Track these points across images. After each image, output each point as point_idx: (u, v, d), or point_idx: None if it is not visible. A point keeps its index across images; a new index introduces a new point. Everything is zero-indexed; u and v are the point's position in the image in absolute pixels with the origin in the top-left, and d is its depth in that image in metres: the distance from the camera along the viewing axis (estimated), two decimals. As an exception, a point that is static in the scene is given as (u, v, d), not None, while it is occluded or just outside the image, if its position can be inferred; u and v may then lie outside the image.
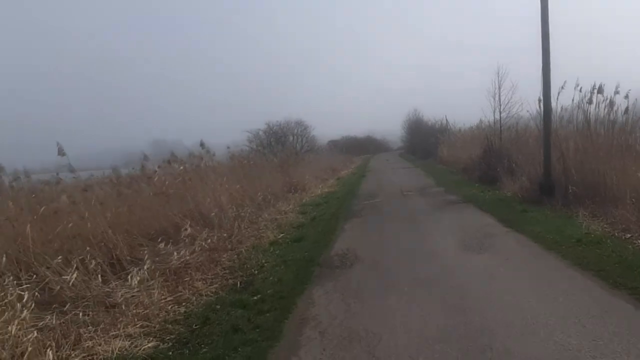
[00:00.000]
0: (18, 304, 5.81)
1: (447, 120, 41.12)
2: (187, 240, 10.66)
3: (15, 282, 6.61)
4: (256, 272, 8.44)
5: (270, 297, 6.82)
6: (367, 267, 8.18)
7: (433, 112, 70.47)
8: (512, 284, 6.66)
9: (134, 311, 6.85)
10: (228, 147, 19.17)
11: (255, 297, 6.87)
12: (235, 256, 9.84)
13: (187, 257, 9.50)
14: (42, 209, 9.10)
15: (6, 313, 5.53)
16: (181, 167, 14.21)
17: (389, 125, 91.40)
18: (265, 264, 8.88)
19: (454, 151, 30.62)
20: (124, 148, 13.50)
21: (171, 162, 13.34)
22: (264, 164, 21.46)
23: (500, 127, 20.71)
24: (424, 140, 46.25)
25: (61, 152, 9.47)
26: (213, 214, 12.17)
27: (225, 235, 11.44)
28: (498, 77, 20.41)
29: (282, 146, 31.04)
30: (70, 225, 8.84)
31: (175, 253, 9.51)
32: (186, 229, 11.11)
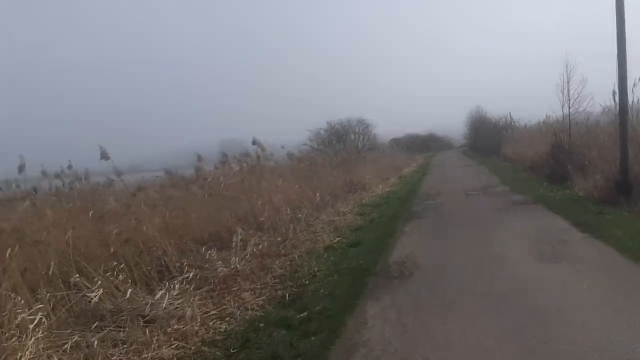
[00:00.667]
0: (30, 326, 5.19)
1: (511, 116, 39.69)
2: (239, 245, 10.05)
3: (46, 295, 6.05)
4: (307, 282, 7.65)
5: (318, 316, 5.98)
6: (429, 279, 7.24)
7: (497, 109, 68.04)
8: (597, 304, 5.61)
9: (174, 327, 6.19)
10: (282, 147, 18.42)
11: (302, 315, 6.05)
12: (288, 263, 9.11)
13: (238, 265, 8.87)
14: (90, 213, 8.60)
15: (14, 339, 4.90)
16: (237, 168, 13.64)
17: (451, 123, 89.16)
18: (318, 273, 8.09)
19: (520, 148, 29.08)
20: (195, 148, 12.84)
21: (224, 163, 12.66)
22: (324, 163, 20.71)
23: (570, 122, 19.23)
24: (488, 138, 44.63)
25: (105, 156, 8.96)
26: (266, 217, 11.50)
27: (279, 239, 10.75)
28: (567, 70, 18.93)
29: (343, 145, 30.26)
30: (115, 231, 8.32)
31: (221, 261, 8.92)
32: (239, 234, 10.51)
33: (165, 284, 7.76)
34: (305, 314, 6.08)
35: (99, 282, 6.86)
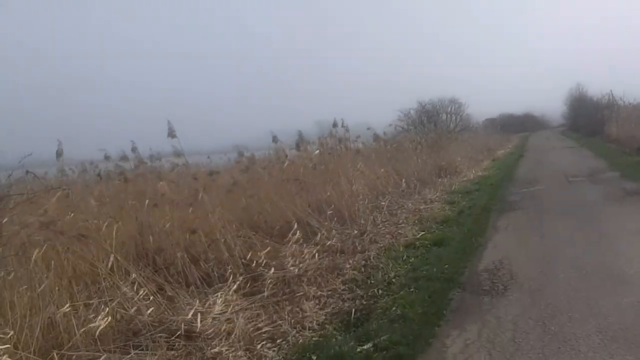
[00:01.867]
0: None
1: (612, 94, 36.18)
2: (312, 239, 8.83)
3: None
4: (380, 292, 6.24)
5: (381, 350, 4.54)
6: (527, 297, 5.58)
7: (599, 85, 63.02)
8: None
9: (215, 349, 5.02)
10: (368, 128, 16.96)
11: (362, 348, 4.63)
12: (363, 262, 7.76)
13: (307, 263, 7.63)
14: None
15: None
16: (317, 151, 12.34)
17: (548, 101, 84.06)
18: (394, 280, 6.66)
19: (627, 128, 26.12)
20: (291, 130, 11.63)
21: (300, 145, 11.33)
22: (411, 145, 19.05)
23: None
24: (589, 117, 41.14)
25: (172, 134, 7.92)
26: (343, 206, 10.16)
27: (356, 232, 9.40)
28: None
29: (434, 125, 28.29)
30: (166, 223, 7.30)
31: (291, 258, 7.69)
32: (312, 225, 9.28)
33: (222, 286, 6.67)
34: (368, 345, 4.65)
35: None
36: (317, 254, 8.03)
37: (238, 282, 6.66)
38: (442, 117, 32.06)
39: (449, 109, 33.14)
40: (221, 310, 6.01)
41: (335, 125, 12.06)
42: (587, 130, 40.17)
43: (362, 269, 7.41)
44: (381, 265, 7.43)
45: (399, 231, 9.67)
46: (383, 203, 11.63)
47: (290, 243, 8.13)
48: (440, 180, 16.70)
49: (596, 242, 7.51)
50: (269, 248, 7.89)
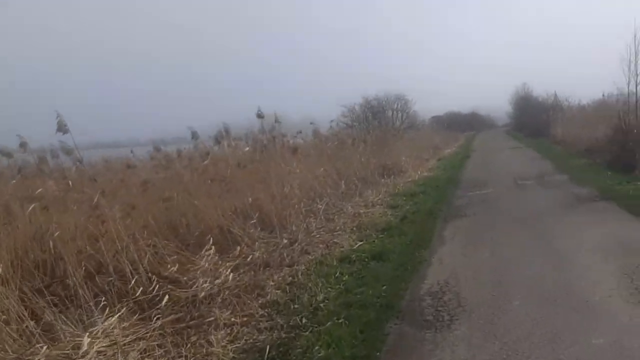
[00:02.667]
0: None
1: (556, 95, 36.53)
2: (234, 250, 7.82)
3: None
4: (303, 321, 5.23)
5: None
6: (477, 333, 4.64)
7: (544, 87, 63.97)
8: None
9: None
10: (311, 123, 15.94)
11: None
12: (289, 279, 6.78)
13: (223, 279, 6.61)
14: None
15: None
16: (247, 148, 11.21)
17: (494, 100, 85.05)
18: (322, 305, 5.66)
19: (572, 130, 26.07)
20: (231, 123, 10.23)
21: (221, 140, 10.08)
22: (354, 142, 18.14)
23: (637, 101, 16.24)
24: (534, 118, 41.39)
25: (62, 129, 6.62)
26: (272, 211, 9.12)
27: (285, 241, 8.38)
28: (635, 40, 15.86)
29: (379, 122, 27.50)
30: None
31: (202, 274, 6.62)
32: (234, 233, 8.23)
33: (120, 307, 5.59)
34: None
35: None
36: (236, 269, 7.07)
37: (137, 302, 5.64)
38: (388, 114, 31.31)
39: (395, 105, 32.42)
40: (110, 341, 4.94)
41: (259, 116, 10.70)
42: (532, 130, 40.34)
43: (288, 288, 6.44)
44: (310, 284, 6.44)
45: (335, 240, 8.74)
46: (320, 206, 10.66)
47: (206, 256, 7.07)
48: (384, 180, 15.86)
49: (554, 261, 6.67)
50: (181, 260, 6.88)
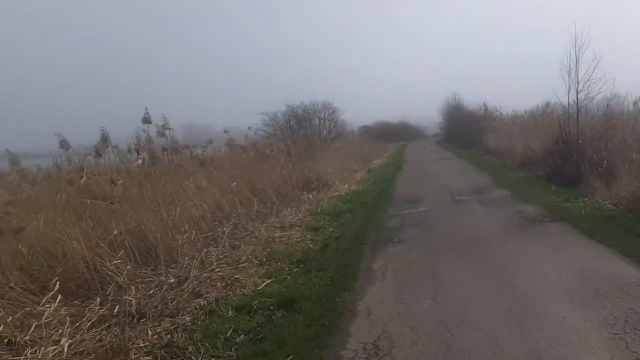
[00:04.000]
0: None
1: (486, 106, 36.23)
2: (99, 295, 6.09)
3: None
4: None
5: None
6: None
7: (475, 98, 64.81)
8: None
9: None
10: (225, 131, 14.37)
11: None
12: (168, 337, 5.07)
13: (76, 340, 4.92)
14: None
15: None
16: (139, 161, 9.39)
17: (423, 109, 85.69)
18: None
19: (506, 140, 25.41)
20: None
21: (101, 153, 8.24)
22: (275, 153, 16.55)
23: (578, 111, 15.42)
24: (465, 128, 40.97)
25: None
26: (158, 240, 7.36)
27: (173, 280, 6.66)
28: (576, 47, 15.02)
29: (305, 131, 25.98)
30: None
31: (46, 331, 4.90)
32: (102, 272, 6.47)
33: None
34: None
35: None
36: (100, 323, 5.37)
37: None
38: (315, 123, 29.85)
39: (323, 114, 31.00)
40: None
41: (146, 122, 8.79)
42: (463, 140, 39.96)
43: (160, 355, 4.70)
44: (190, 349, 4.74)
45: (238, 276, 7.06)
46: (225, 230, 8.96)
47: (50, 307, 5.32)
48: (306, 196, 14.23)
49: (517, 313, 5.12)
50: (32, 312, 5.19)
